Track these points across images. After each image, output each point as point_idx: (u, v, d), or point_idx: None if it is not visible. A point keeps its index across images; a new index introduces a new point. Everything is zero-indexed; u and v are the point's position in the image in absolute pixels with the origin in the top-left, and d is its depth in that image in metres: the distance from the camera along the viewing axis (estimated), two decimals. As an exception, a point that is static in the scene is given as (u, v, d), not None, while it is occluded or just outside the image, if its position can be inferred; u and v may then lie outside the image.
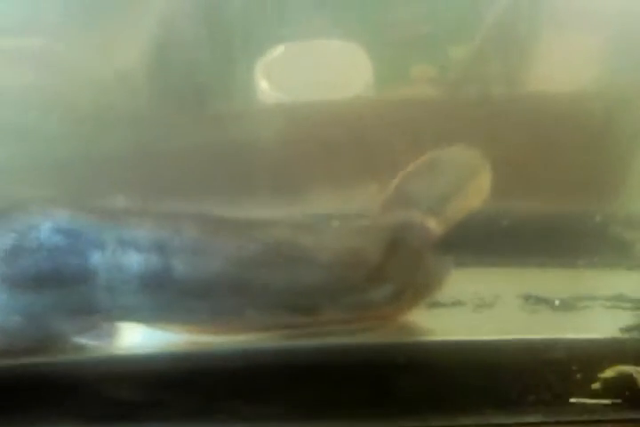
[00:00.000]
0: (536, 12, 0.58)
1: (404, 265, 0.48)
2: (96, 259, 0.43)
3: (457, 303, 0.51)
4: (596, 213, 0.53)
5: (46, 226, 0.43)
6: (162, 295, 0.44)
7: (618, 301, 0.52)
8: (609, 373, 0.49)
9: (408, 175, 0.50)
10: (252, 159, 0.53)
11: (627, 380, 0.48)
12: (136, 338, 0.48)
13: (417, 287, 0.49)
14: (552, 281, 0.53)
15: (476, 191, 0.50)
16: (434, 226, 0.49)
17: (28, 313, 0.44)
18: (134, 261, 0.43)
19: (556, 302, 0.52)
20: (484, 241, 0.51)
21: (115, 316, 0.45)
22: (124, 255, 0.43)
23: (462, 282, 0.51)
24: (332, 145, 0.53)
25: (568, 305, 0.52)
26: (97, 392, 0.48)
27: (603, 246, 0.53)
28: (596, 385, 0.49)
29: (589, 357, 0.49)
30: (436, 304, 0.51)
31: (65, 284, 0.43)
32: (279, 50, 0.58)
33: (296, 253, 0.45)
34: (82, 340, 0.46)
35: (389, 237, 0.48)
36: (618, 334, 0.51)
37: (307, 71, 0.57)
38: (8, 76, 0.57)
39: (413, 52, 0.58)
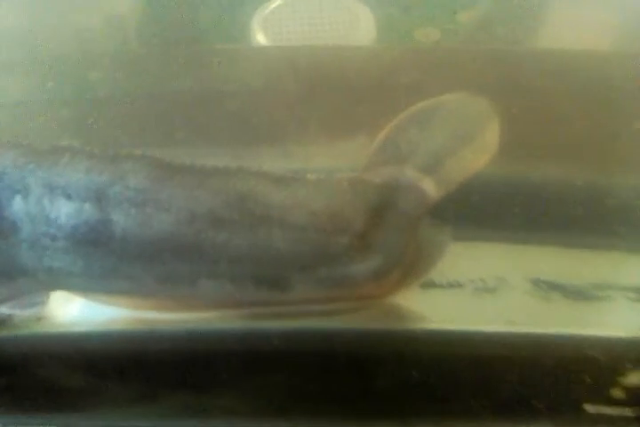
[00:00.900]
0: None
1: (393, 234, 0.40)
2: (17, 207, 0.36)
3: (453, 285, 0.44)
4: (623, 186, 0.45)
5: None
6: (98, 257, 0.37)
7: (646, 292, 0.44)
8: (632, 378, 0.41)
9: (400, 125, 0.42)
10: (243, 104, 0.47)
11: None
12: (71, 313, 0.42)
13: (408, 263, 0.41)
14: (568, 264, 0.46)
15: (481, 147, 0.42)
16: (429, 187, 0.41)
17: None
18: (64, 211, 0.36)
19: (571, 290, 0.44)
20: (489, 210, 0.44)
21: (42, 281, 0.38)
22: (51, 204, 0.36)
23: (461, 259, 0.44)
24: (328, 92, 0.47)
25: (585, 294, 0.45)
26: (24, 374, 0.42)
27: (631, 226, 0.45)
28: (616, 392, 0.41)
29: (609, 358, 0.42)
30: (427, 285, 0.44)
31: None
32: (276, 2, 0.53)
33: (263, 211, 0.37)
34: (3, 309, 0.40)
35: (376, 198, 0.40)
36: (644, 333, 0.43)
37: (305, 25, 0.53)
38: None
39: (419, 14, 0.54)
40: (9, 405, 0.41)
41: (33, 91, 0.51)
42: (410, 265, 0.41)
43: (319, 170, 0.41)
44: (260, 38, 0.53)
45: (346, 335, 0.42)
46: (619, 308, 0.44)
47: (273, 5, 0.54)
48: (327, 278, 0.39)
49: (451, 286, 0.44)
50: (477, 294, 0.44)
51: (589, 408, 0.40)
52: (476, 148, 0.41)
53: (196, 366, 0.41)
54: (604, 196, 0.46)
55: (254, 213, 0.38)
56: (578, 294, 0.44)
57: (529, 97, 0.48)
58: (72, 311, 0.42)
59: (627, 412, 0.40)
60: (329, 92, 0.48)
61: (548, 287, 0.44)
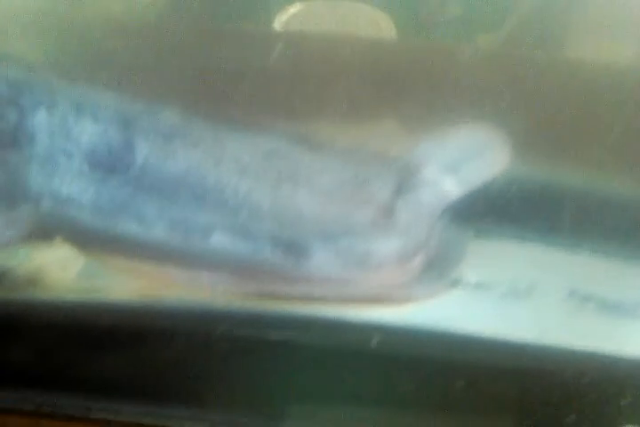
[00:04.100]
0: (570, 8, 0.57)
1: (413, 220, 0.40)
2: (39, 118, 0.35)
3: (481, 286, 0.43)
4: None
5: None
6: (111, 186, 0.36)
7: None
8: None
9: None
10: (264, 83, 0.47)
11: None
12: (68, 278, 0.40)
13: (428, 255, 0.40)
14: (608, 275, 0.44)
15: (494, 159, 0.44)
16: (449, 185, 0.41)
17: None
18: (88, 130, 0.35)
19: (610, 304, 0.43)
20: (527, 211, 0.43)
21: (44, 213, 0.37)
22: (76, 121, 0.35)
23: (492, 259, 0.42)
24: (350, 78, 0.47)
25: (625, 310, 0.43)
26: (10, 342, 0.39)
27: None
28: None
29: None
30: (454, 283, 0.42)
31: None
32: (297, 6, 0.55)
33: (290, 168, 0.37)
34: None
35: (400, 179, 0.40)
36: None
37: (324, 29, 0.54)
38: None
39: (441, 33, 0.56)
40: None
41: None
42: (430, 258, 0.40)
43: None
44: (279, 43, 0.54)
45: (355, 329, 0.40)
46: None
47: (293, 10, 0.56)
48: (348, 252, 0.38)
49: (477, 286, 0.43)
50: (505, 299, 0.43)
51: (626, 429, 0.38)
52: (489, 157, 0.43)
53: (194, 346, 0.38)
54: None
55: (281, 169, 0.37)
56: (615, 308, 0.43)
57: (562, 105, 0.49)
58: (69, 276, 0.40)
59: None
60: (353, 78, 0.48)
61: (584, 298, 0.43)
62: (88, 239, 0.38)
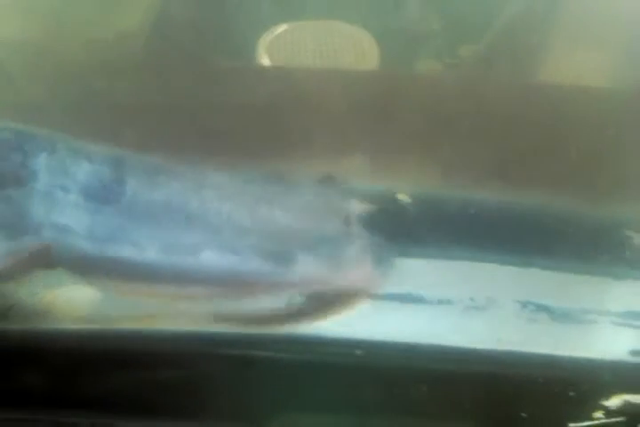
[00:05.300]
0: (548, 22, 0.60)
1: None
2: (41, 159, 0.41)
3: (443, 302, 0.48)
4: (610, 214, 0.51)
5: None
6: (105, 216, 0.41)
7: (631, 318, 0.48)
8: (614, 401, 0.45)
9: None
10: (247, 119, 0.52)
11: (636, 412, 0.44)
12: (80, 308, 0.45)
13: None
14: (556, 287, 0.50)
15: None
16: None
17: None
18: (83, 168, 0.41)
19: (558, 313, 0.48)
20: (480, 232, 0.49)
21: (44, 239, 0.42)
22: (73, 161, 0.41)
23: (452, 277, 0.48)
24: (328, 113, 0.52)
25: (572, 317, 0.48)
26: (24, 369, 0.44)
27: (619, 253, 0.50)
28: (597, 414, 0.44)
29: (592, 380, 0.45)
30: (416, 300, 0.47)
31: (3, 183, 0.41)
32: (281, 27, 0.59)
33: (266, 194, 0.44)
34: None
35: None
36: (628, 358, 0.46)
37: (309, 51, 0.58)
38: (6, 27, 0.58)
39: (422, 46, 0.59)
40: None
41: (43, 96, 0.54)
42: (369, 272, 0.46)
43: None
44: (265, 62, 0.58)
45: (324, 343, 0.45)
46: (603, 332, 0.48)
47: (279, 30, 0.59)
48: (325, 256, 0.45)
49: (441, 302, 0.48)
50: (467, 312, 0.48)
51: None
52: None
53: (185, 366, 0.43)
54: (592, 224, 0.51)
55: (258, 193, 0.44)
56: (564, 316, 0.48)
57: (525, 130, 0.53)
58: (78, 308, 0.45)
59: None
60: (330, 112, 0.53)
61: (536, 309, 0.48)
62: (86, 265, 0.43)
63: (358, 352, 0.44)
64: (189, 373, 0.43)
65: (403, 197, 0.49)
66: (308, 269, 0.44)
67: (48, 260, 0.42)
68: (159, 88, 0.54)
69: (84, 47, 0.58)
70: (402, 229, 0.48)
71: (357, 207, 0.46)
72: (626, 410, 0.44)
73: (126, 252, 0.42)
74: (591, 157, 0.53)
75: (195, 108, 0.53)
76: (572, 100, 0.54)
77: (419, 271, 0.48)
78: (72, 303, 0.44)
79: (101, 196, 0.41)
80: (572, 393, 0.44)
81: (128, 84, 0.55)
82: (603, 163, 0.53)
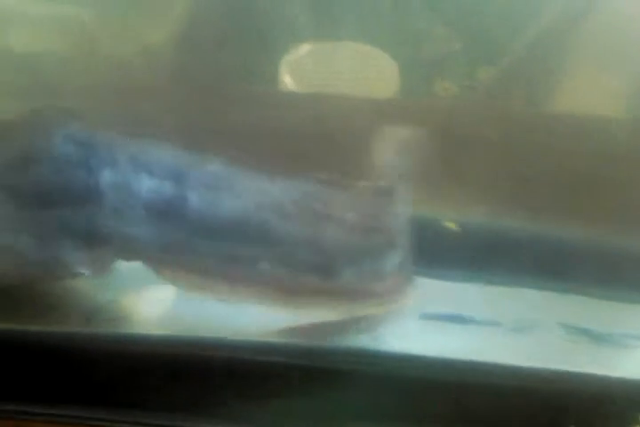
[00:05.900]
0: (567, 45, 0.62)
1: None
2: (106, 176, 0.42)
3: (491, 323, 0.50)
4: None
5: (59, 135, 0.42)
6: (169, 229, 0.43)
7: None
8: (646, 416, 0.46)
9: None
10: (267, 145, 0.53)
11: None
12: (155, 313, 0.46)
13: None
14: (597, 313, 0.52)
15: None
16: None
17: (35, 233, 0.43)
18: (145, 185, 0.42)
19: (598, 336, 0.50)
20: (524, 262, 0.51)
21: (116, 246, 0.43)
22: (135, 178, 0.42)
23: (500, 300, 0.50)
24: (348, 141, 0.54)
25: (610, 340, 0.50)
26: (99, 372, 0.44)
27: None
28: (634, 427, 0.46)
29: (628, 399, 0.46)
30: (468, 321, 0.49)
31: (72, 201, 0.42)
32: (305, 48, 0.60)
33: (323, 207, 0.45)
34: (81, 270, 0.44)
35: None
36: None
37: (331, 72, 0.59)
38: (32, 42, 0.58)
39: (441, 67, 0.61)
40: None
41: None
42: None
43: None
44: (288, 82, 0.59)
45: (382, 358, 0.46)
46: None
47: (302, 51, 0.60)
48: (367, 270, 0.47)
49: (489, 323, 0.50)
50: (514, 333, 0.49)
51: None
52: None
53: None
54: (625, 253, 0.53)
55: (316, 210, 0.45)
56: (603, 339, 0.50)
57: (542, 158, 0.56)
58: (156, 312, 0.47)
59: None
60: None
61: (578, 332, 0.50)
62: (151, 265, 0.45)
63: (411, 366, 0.45)
64: (263, 383, 0.44)
65: (450, 225, 0.52)
66: (349, 282, 0.46)
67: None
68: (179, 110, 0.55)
69: (109, 61, 0.58)
70: (446, 256, 0.51)
71: (403, 227, 0.48)
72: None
73: (188, 258, 0.44)
74: (618, 188, 0.56)
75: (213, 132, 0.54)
76: (589, 131, 0.56)
77: (467, 295, 0.51)
78: (149, 307, 0.47)
79: (164, 212, 0.43)
80: (611, 408, 0.46)
81: (152, 102, 0.55)
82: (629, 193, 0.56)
